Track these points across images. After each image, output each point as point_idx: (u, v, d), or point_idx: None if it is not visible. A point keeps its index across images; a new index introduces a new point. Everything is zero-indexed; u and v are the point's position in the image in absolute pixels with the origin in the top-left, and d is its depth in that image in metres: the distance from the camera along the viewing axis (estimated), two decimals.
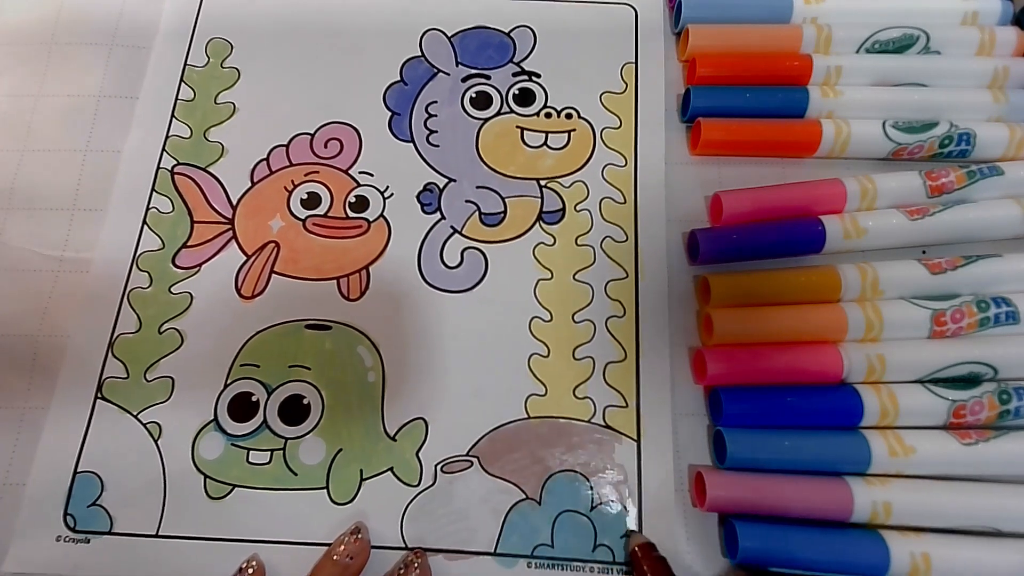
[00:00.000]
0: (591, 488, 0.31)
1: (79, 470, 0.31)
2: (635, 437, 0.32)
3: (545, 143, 0.38)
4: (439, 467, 0.31)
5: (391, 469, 0.31)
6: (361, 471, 0.31)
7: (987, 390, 0.31)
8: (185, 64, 0.39)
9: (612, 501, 0.31)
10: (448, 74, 0.40)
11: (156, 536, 0.30)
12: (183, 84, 0.39)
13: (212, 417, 0.32)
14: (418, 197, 0.37)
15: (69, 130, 0.38)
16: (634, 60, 0.40)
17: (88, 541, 0.30)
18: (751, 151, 0.37)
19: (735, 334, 0.32)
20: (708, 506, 0.29)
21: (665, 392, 0.33)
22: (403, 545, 0.30)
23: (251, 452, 0.32)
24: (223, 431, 0.32)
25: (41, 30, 0.40)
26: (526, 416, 0.32)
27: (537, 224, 0.36)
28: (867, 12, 0.39)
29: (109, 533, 0.30)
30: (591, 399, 0.33)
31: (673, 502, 0.31)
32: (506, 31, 0.41)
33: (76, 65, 0.39)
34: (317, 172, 0.37)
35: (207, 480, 0.31)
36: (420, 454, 0.32)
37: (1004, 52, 0.38)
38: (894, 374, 0.31)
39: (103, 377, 0.33)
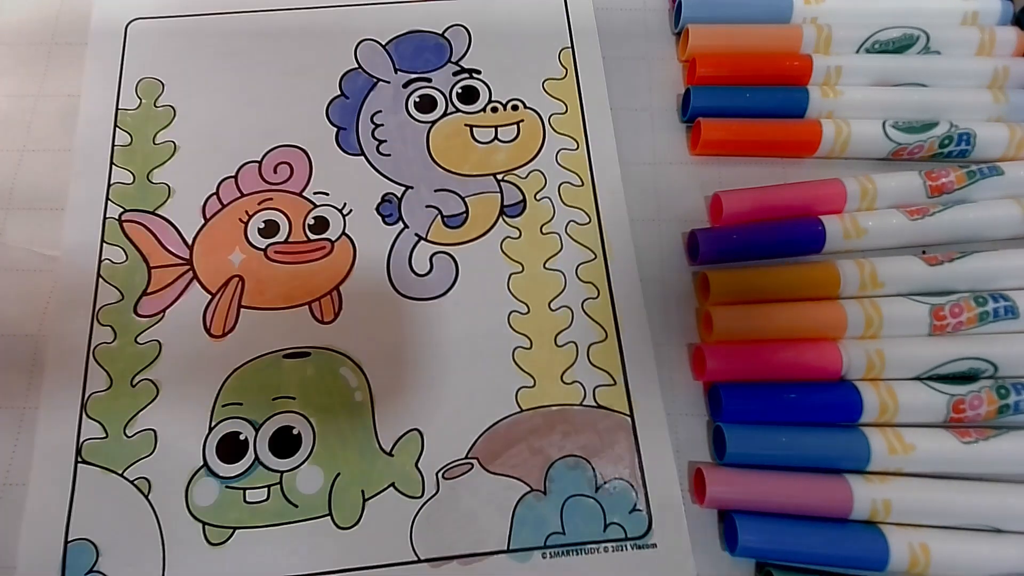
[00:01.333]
0: (593, 469, 0.31)
1: (70, 540, 0.30)
2: (627, 412, 0.32)
3: (496, 138, 0.38)
4: (440, 474, 0.31)
5: (392, 485, 0.31)
6: (363, 492, 0.31)
7: (985, 385, 0.31)
8: (117, 109, 0.38)
9: (615, 479, 0.31)
10: (388, 82, 0.39)
11: None
12: (118, 129, 0.38)
13: (202, 463, 0.31)
14: (378, 209, 0.36)
15: (69, 130, 0.37)
16: (570, 44, 0.40)
17: None
18: (751, 151, 0.38)
19: (735, 331, 0.32)
20: (708, 502, 0.30)
21: (650, 363, 0.33)
22: (416, 559, 0.30)
23: (247, 491, 0.31)
24: (215, 475, 0.31)
25: (41, 30, 0.39)
26: (519, 409, 0.32)
27: (500, 219, 0.36)
28: (867, 12, 0.39)
29: None
30: (580, 382, 0.33)
31: (676, 483, 0.31)
32: (440, 32, 0.40)
33: (76, 65, 0.39)
34: (271, 199, 0.36)
35: (206, 527, 0.30)
36: (419, 465, 0.31)
37: (1004, 52, 0.38)
38: (893, 371, 0.31)
39: (81, 440, 0.32)
